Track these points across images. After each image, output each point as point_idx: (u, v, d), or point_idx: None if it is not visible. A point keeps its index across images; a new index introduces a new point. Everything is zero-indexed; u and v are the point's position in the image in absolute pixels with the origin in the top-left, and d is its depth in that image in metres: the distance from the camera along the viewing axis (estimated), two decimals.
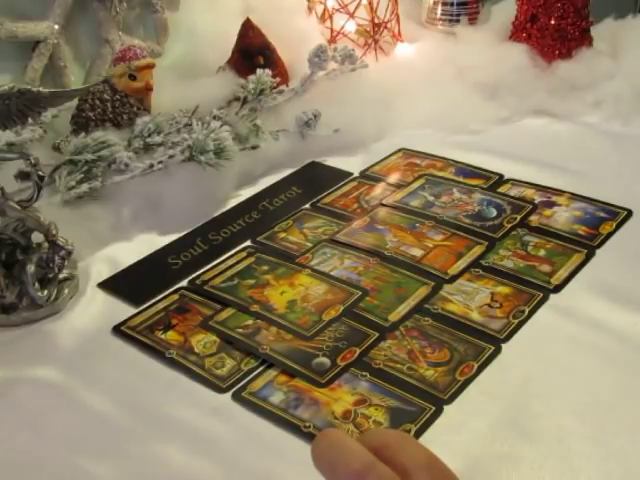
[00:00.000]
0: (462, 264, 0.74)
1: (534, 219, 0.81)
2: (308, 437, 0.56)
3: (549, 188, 0.86)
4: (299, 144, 0.94)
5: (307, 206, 0.86)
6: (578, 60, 1.08)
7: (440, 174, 0.91)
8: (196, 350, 0.65)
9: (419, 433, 0.56)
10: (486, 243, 0.77)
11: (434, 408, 0.58)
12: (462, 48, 1.12)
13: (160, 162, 0.83)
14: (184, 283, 0.74)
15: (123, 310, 0.70)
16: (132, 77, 0.91)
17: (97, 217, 0.80)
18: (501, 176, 0.90)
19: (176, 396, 0.61)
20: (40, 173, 0.68)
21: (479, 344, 0.64)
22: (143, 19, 1.08)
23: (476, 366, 0.62)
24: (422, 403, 0.58)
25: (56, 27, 0.97)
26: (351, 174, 0.92)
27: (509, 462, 0.53)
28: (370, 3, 1.14)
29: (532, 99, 1.04)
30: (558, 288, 0.70)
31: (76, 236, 0.73)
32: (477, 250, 0.76)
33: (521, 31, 1.11)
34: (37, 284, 0.69)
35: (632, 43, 1.09)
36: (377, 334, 0.65)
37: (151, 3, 1.06)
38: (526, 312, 0.67)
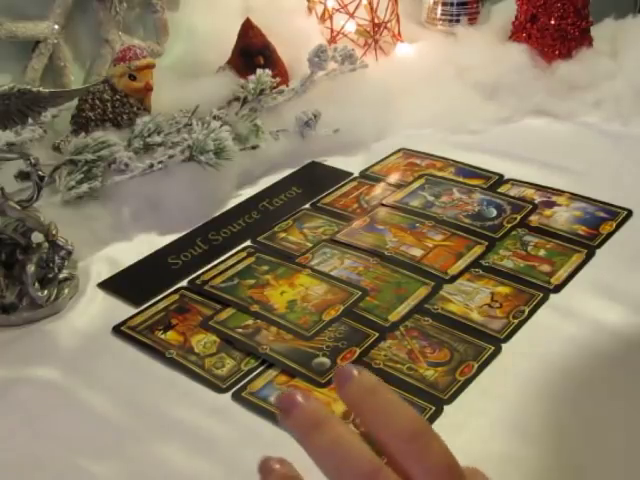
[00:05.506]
0: (462, 264, 0.74)
1: (534, 219, 0.81)
2: None
3: (549, 188, 0.86)
4: (299, 144, 0.94)
5: (307, 206, 0.86)
6: (578, 60, 1.08)
7: (440, 174, 0.91)
8: (196, 350, 0.65)
9: None
10: (486, 243, 0.77)
11: (434, 408, 0.58)
12: (462, 48, 1.12)
13: (160, 162, 0.83)
14: (184, 283, 0.74)
15: (123, 310, 0.70)
16: (132, 77, 0.90)
17: (97, 217, 0.80)
18: (501, 176, 0.90)
19: (176, 396, 0.61)
20: (40, 173, 0.68)
21: (479, 344, 0.64)
22: (143, 19, 1.08)
23: (476, 366, 0.62)
24: (422, 403, 0.58)
25: (56, 27, 0.97)
26: (351, 174, 0.92)
27: (509, 462, 0.53)
28: (370, 3, 1.13)
29: (532, 99, 1.03)
30: (558, 288, 0.70)
31: (76, 236, 0.73)
32: (477, 250, 0.76)
33: (521, 31, 1.11)
34: (37, 284, 0.69)
35: (632, 43, 1.09)
36: (377, 334, 0.65)
37: (151, 3, 1.06)
38: (526, 312, 0.67)
